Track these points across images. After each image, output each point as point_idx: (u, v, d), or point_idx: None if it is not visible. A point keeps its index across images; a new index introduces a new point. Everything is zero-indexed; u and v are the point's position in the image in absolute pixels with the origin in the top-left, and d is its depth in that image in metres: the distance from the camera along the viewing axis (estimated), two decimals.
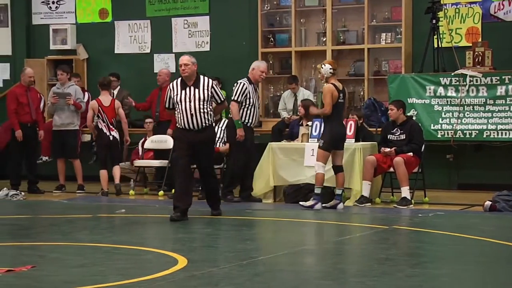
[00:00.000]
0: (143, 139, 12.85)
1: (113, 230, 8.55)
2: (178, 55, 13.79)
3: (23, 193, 11.77)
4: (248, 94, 10.68)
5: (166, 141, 12.08)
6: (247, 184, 10.88)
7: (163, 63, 13.95)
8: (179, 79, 9.10)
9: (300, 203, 10.00)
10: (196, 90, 8.97)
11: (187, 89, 8.98)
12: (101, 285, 5.75)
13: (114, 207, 10.23)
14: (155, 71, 13.83)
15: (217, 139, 11.41)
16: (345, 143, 10.43)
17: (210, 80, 9.15)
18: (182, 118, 8.96)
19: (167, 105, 9.22)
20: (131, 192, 11.91)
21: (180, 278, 5.98)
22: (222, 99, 9.27)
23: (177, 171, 9.09)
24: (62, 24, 14.49)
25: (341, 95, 9.88)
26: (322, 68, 9.92)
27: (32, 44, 14.79)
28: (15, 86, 12.52)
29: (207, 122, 9.00)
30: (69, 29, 14.39)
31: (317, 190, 9.84)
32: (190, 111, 8.92)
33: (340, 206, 9.95)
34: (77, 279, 6.01)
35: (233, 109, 10.68)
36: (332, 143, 9.84)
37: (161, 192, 11.75)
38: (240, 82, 10.77)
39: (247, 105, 10.70)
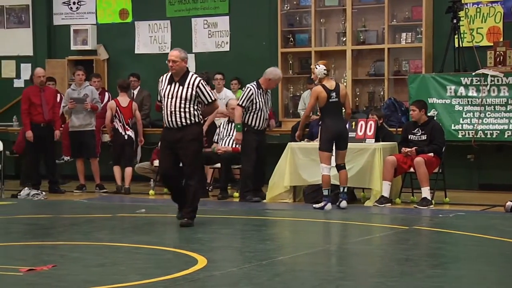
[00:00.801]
0: None
1: (133, 230, 8.58)
2: (198, 55, 13.91)
3: (44, 192, 11.86)
4: (254, 99, 10.81)
5: None
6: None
7: None
8: (170, 73, 8.62)
9: (313, 205, 10.06)
10: (180, 87, 8.47)
11: (172, 85, 8.51)
12: (121, 284, 5.78)
13: (134, 207, 10.26)
14: None
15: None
16: (365, 143, 10.42)
17: (198, 79, 8.55)
18: (164, 114, 8.58)
19: (158, 98, 8.76)
20: (151, 192, 11.95)
21: (200, 278, 5.99)
22: (210, 100, 8.57)
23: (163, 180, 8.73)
24: (82, 25, 14.56)
25: (334, 94, 9.89)
26: (316, 68, 9.99)
27: (53, 44, 14.88)
28: (29, 87, 12.63)
29: (188, 121, 8.46)
30: (90, 30, 14.46)
31: (325, 192, 9.94)
32: (170, 108, 8.47)
33: (343, 204, 9.93)
34: (98, 278, 6.04)
35: (235, 113, 10.92)
36: (328, 142, 9.87)
37: None
38: (247, 87, 10.96)
39: (253, 110, 10.85)
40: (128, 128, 12.14)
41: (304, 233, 8.61)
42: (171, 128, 8.54)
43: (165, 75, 8.70)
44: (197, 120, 8.54)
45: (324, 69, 9.94)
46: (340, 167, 9.99)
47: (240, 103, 10.87)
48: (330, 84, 9.98)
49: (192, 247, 7.27)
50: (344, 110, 10.29)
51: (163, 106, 8.60)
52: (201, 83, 8.54)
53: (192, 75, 8.60)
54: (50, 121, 12.25)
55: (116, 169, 12.15)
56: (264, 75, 11.02)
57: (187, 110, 8.46)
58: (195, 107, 8.51)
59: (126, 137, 12.13)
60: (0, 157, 11.96)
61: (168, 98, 8.50)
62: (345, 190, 10.07)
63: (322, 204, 9.93)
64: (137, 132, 12.35)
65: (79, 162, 12.54)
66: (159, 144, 9.22)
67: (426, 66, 12.23)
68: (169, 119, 8.52)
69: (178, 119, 8.47)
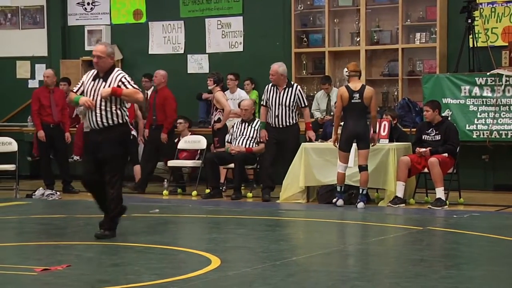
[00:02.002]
0: (176, 139, 12.90)
1: (146, 230, 8.60)
2: (211, 56, 13.93)
3: (58, 192, 11.90)
4: (264, 97, 11.24)
5: (199, 142, 12.15)
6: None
7: (196, 64, 14.01)
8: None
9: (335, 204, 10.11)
10: (103, 84, 7.76)
11: (96, 81, 7.81)
12: (135, 284, 5.79)
13: (148, 207, 10.27)
14: (188, 72, 13.92)
15: (250, 139, 11.47)
16: (379, 143, 10.41)
17: (122, 73, 7.84)
18: (87, 114, 7.90)
19: (74, 89, 8.01)
20: (165, 192, 11.97)
21: (214, 278, 5.99)
22: (129, 87, 7.74)
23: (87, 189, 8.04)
24: (97, 25, 14.62)
25: (356, 95, 10.01)
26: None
27: (68, 45, 14.94)
28: (39, 88, 12.69)
29: (110, 121, 7.75)
30: (104, 30, 14.52)
31: (338, 188, 10.11)
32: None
33: (360, 205, 9.98)
34: (112, 278, 6.06)
35: (260, 112, 11.43)
36: (345, 142, 9.98)
37: (194, 192, 11.78)
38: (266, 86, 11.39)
39: (267, 107, 11.22)
40: (132, 128, 12.17)
41: (318, 234, 8.60)
42: (93, 129, 7.86)
43: (91, 71, 8.00)
44: (121, 121, 7.81)
45: (346, 71, 10.19)
46: (361, 168, 10.02)
47: (261, 103, 11.48)
48: (355, 85, 10.08)
49: (206, 247, 7.28)
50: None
51: None
52: (125, 77, 7.83)
53: (117, 70, 7.93)
54: (60, 122, 12.30)
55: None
56: None
57: (108, 109, 7.74)
58: (118, 106, 7.78)
59: (131, 137, 12.18)
60: (15, 158, 12.03)
61: (90, 95, 7.79)
62: (364, 192, 10.09)
63: (335, 200, 10.10)
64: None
65: None
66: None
67: (440, 66, 12.19)
68: (90, 119, 7.80)
69: (99, 119, 7.75)
